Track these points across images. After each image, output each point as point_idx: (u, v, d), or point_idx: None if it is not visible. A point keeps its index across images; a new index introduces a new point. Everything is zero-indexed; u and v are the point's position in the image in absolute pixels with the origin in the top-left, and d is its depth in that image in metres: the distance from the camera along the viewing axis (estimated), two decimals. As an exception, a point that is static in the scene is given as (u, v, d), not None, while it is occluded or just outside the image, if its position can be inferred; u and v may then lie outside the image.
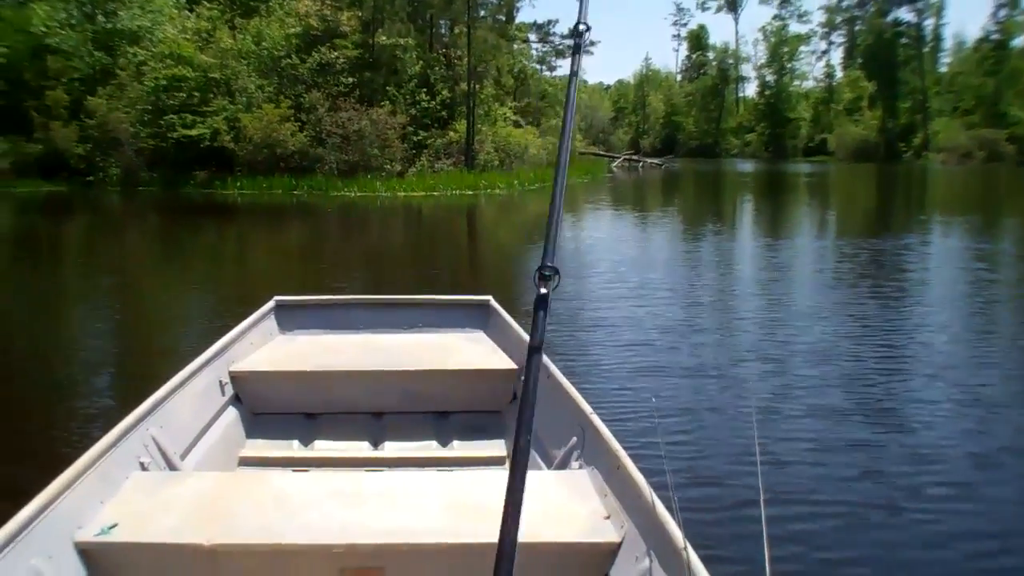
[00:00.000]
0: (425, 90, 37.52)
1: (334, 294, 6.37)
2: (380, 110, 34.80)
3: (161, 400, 3.74)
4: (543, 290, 1.97)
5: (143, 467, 3.37)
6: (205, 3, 40.34)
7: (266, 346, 5.36)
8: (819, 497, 5.04)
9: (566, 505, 3.04)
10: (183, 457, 3.81)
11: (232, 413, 4.62)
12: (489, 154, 37.61)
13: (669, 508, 2.59)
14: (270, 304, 5.78)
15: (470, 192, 32.23)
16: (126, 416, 3.42)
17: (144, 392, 3.73)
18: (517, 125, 42.28)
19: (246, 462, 4.33)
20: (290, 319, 5.81)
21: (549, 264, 1.99)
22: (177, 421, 3.86)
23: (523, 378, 4.11)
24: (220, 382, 4.56)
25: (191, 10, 40.63)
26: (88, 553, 2.74)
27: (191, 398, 4.10)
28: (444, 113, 37.96)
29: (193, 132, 33.87)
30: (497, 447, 4.52)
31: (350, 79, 36.07)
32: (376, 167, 34.03)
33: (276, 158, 33.64)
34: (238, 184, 33.08)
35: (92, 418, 6.47)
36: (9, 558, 2.42)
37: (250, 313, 5.50)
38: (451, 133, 37.17)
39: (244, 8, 40.62)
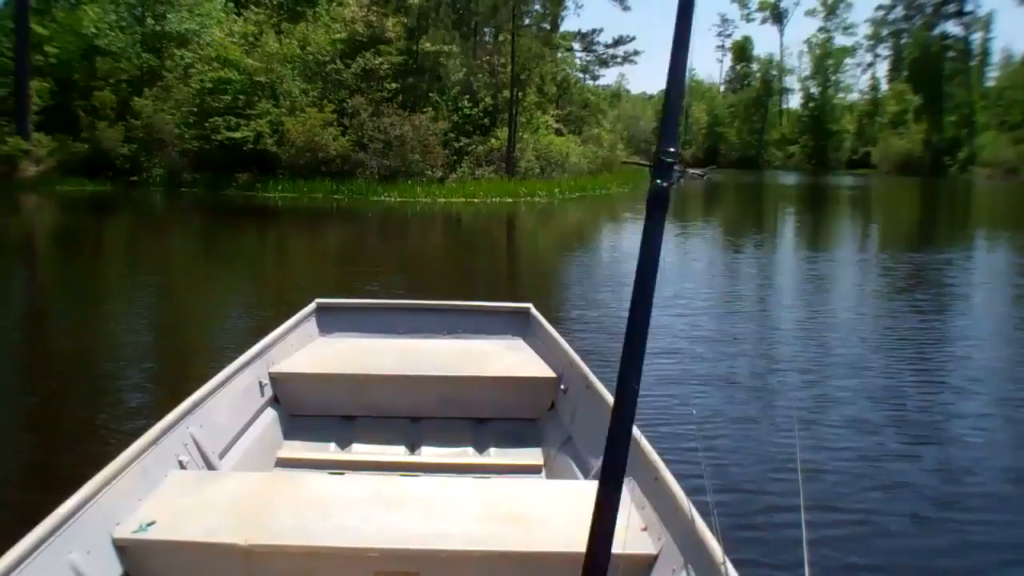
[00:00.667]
0: (468, 97, 37.58)
1: (367, 296, 6.34)
2: (422, 116, 34.87)
3: (201, 399, 3.78)
4: (661, 181, 1.59)
5: (182, 465, 3.41)
6: (253, 7, 40.69)
7: (306, 348, 5.38)
8: (861, 511, 4.98)
9: None
10: (221, 456, 3.85)
11: (271, 414, 4.65)
12: (530, 162, 37.56)
13: (708, 521, 2.58)
14: (311, 307, 5.85)
15: (510, 199, 32.18)
16: (167, 414, 3.46)
17: (181, 388, 3.79)
18: (559, 133, 42.23)
19: (283, 463, 4.36)
20: (330, 322, 5.86)
21: (671, 149, 1.60)
22: (216, 421, 3.90)
23: (563, 386, 4.57)
24: (260, 383, 4.60)
25: (239, 14, 41.02)
26: (126, 549, 2.77)
27: (231, 398, 4.14)
28: (486, 120, 37.96)
29: (237, 135, 34.11)
30: (534, 455, 4.51)
31: (393, 85, 36.13)
32: (417, 173, 34.09)
33: (318, 162, 33.80)
34: (279, 187, 33.20)
35: (132, 414, 6.53)
36: (48, 552, 2.45)
37: (289, 314, 5.56)
38: (492, 140, 37.13)
39: (291, 13, 40.94)
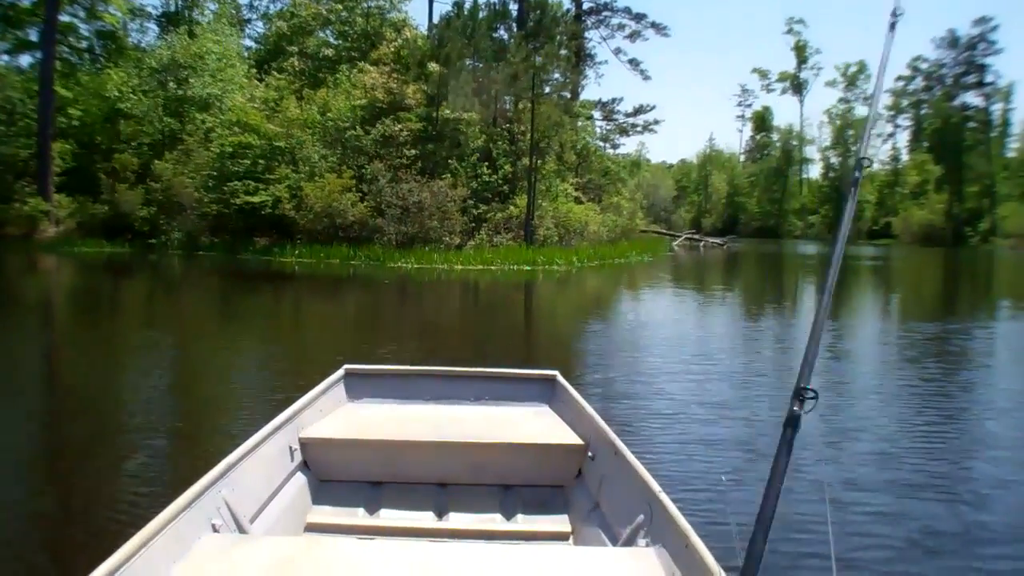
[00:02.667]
0: (487, 164, 37.52)
1: (387, 363, 6.52)
2: (441, 182, 34.83)
3: (233, 464, 3.85)
4: (796, 409, 1.87)
5: (215, 529, 3.45)
6: (275, 74, 41.08)
7: (335, 414, 5.46)
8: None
9: None
10: (252, 521, 3.89)
11: (300, 479, 4.71)
12: (549, 229, 37.27)
13: None
14: (339, 372, 5.94)
15: (527, 267, 31.85)
16: (199, 478, 3.52)
17: (207, 452, 4.06)
18: (578, 201, 42.09)
19: (312, 528, 4.40)
20: (359, 388, 5.96)
21: (807, 387, 1.91)
22: (248, 485, 3.96)
23: (590, 453, 4.69)
24: (290, 448, 4.69)
25: (261, 80, 41.40)
26: None
27: (261, 463, 4.22)
28: (505, 187, 37.84)
29: (255, 199, 34.18)
30: (561, 522, 4.52)
31: (412, 151, 36.20)
32: (435, 239, 33.94)
33: (335, 228, 33.77)
34: (296, 252, 33.14)
35: (156, 475, 6.64)
36: None
37: (313, 380, 5.65)
38: (511, 207, 36.97)
39: (312, 79, 41.29)
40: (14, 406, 9.27)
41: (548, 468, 4.91)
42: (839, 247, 2.39)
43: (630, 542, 3.61)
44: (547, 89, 40.79)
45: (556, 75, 41.99)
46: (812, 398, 1.87)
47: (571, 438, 4.95)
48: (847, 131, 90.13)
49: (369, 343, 14.04)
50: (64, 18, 42.81)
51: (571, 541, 4.32)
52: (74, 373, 11.64)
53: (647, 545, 3.42)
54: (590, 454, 4.72)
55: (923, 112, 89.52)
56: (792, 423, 1.86)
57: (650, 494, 3.56)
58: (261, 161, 35.37)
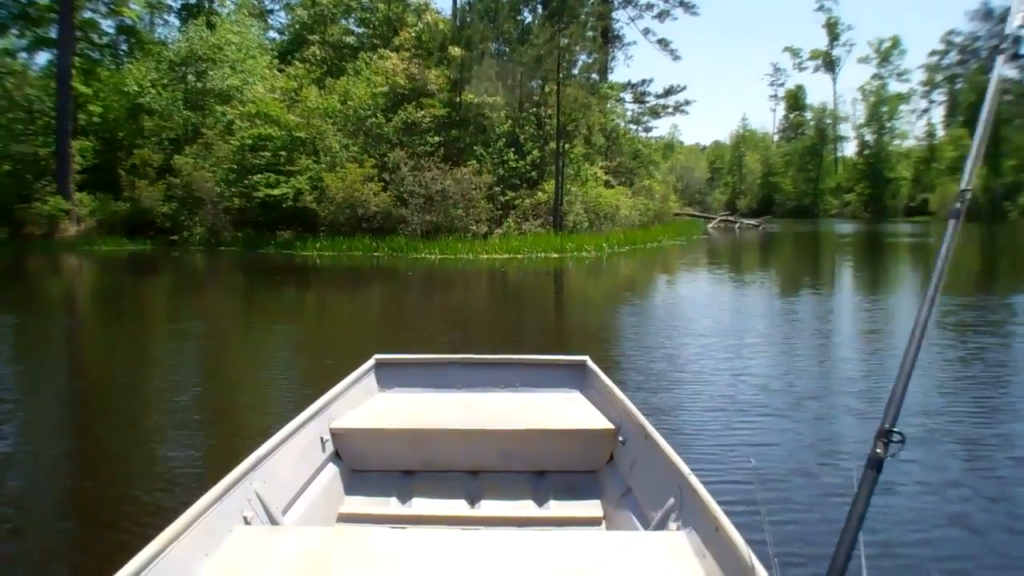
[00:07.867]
0: (513, 149, 36.61)
1: (417, 352, 6.41)
2: (465, 169, 34.00)
3: (265, 455, 3.84)
4: (879, 451, 1.78)
5: (246, 521, 3.45)
6: (296, 63, 40.51)
7: (366, 403, 5.50)
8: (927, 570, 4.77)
9: (664, 567, 3.02)
10: (284, 512, 3.91)
11: (332, 469, 4.72)
12: (578, 215, 36.32)
13: (770, 573, 2.56)
14: (370, 362, 5.94)
15: (555, 255, 30.97)
16: (231, 471, 3.50)
17: (238, 444, 3.85)
18: (608, 185, 41.15)
19: (345, 518, 4.43)
20: (389, 377, 5.99)
21: (892, 428, 1.80)
22: (279, 476, 3.97)
23: (621, 438, 4.78)
24: (321, 439, 4.69)
25: (281, 70, 40.84)
26: None
27: (293, 454, 4.22)
28: (533, 173, 36.89)
29: (276, 192, 33.62)
30: (594, 508, 4.54)
31: (436, 138, 35.42)
32: (460, 228, 33.13)
33: (358, 219, 33.08)
34: (318, 245, 32.54)
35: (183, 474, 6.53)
36: None
37: (342, 372, 5.58)
38: (540, 193, 36.02)
39: (333, 68, 40.66)
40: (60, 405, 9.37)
41: (579, 453, 4.91)
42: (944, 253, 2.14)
43: (661, 526, 3.64)
44: (574, 71, 39.85)
45: (582, 56, 41.06)
46: (898, 442, 1.74)
47: (602, 423, 4.95)
48: (881, 108, 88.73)
49: (392, 336, 13.75)
50: (86, 15, 42.44)
51: (603, 526, 4.34)
52: (105, 371, 11.45)
53: (678, 529, 3.42)
54: (621, 439, 4.73)
55: (958, 86, 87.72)
56: (875, 466, 1.76)
57: (680, 478, 3.55)
58: (282, 153, 34.81)
